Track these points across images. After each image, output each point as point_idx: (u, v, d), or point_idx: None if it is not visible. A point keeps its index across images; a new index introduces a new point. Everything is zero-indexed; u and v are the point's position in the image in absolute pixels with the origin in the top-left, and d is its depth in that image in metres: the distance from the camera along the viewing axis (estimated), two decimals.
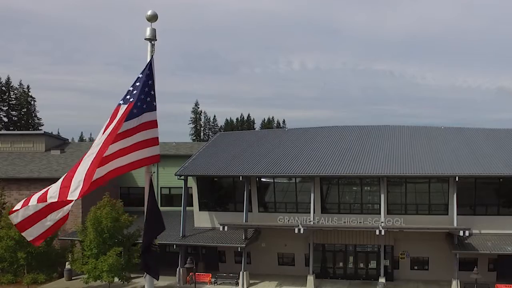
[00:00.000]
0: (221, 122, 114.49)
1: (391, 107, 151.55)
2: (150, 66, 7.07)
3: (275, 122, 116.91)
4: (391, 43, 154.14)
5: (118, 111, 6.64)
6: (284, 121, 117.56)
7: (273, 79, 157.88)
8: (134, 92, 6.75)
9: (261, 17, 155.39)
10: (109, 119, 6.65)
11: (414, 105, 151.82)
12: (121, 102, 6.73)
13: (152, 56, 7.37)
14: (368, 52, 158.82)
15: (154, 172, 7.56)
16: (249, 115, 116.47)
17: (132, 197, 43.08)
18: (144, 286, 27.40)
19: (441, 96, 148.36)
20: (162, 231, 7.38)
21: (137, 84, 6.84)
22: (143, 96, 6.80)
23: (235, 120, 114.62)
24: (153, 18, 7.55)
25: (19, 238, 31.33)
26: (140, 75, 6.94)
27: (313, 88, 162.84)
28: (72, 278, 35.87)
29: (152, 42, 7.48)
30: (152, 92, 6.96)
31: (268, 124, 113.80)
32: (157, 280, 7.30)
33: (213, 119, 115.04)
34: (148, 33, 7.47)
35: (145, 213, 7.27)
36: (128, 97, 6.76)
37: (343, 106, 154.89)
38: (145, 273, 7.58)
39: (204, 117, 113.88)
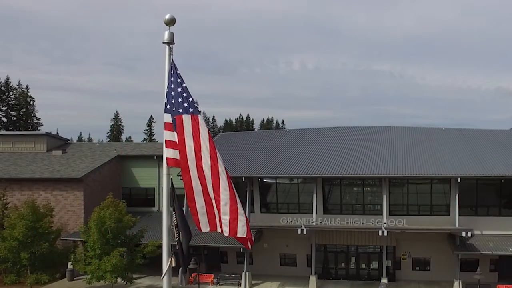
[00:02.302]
0: (220, 122, 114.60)
1: (391, 107, 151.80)
2: (175, 69, 7.26)
3: (274, 122, 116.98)
4: (391, 43, 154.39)
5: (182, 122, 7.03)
6: (283, 122, 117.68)
7: (273, 79, 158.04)
8: (189, 99, 7.16)
9: (261, 17, 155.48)
10: (178, 130, 7.05)
11: (413, 106, 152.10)
12: (180, 111, 7.08)
13: (172, 60, 7.47)
14: (368, 52, 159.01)
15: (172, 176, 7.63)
16: (248, 115, 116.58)
17: (134, 197, 43.19)
18: (145, 286, 27.38)
19: (440, 97, 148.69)
20: (191, 239, 7.67)
21: (179, 90, 7.17)
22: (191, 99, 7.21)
23: (234, 121, 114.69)
24: (171, 22, 7.63)
25: (23, 238, 31.43)
26: (179, 80, 7.20)
27: (313, 89, 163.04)
28: (75, 278, 35.89)
29: (170, 45, 7.56)
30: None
31: (267, 124, 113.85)
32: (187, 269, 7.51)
33: (212, 120, 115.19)
34: (166, 37, 7.54)
35: (174, 217, 7.47)
36: (186, 106, 7.14)
37: (343, 106, 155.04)
38: (162, 275, 7.69)
39: (203, 118, 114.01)
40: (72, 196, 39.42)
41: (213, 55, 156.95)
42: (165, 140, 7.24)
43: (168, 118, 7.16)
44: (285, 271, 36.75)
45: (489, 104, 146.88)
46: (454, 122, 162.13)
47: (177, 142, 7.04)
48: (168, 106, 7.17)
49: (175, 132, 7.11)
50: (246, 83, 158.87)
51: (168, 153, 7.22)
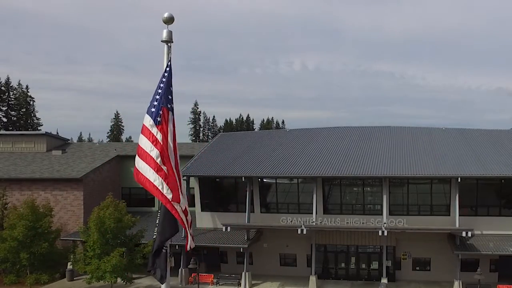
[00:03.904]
0: (220, 122, 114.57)
1: (391, 107, 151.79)
2: (170, 67, 7.19)
3: (275, 122, 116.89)
4: (392, 43, 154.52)
5: (168, 115, 7.02)
6: (283, 122, 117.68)
7: (274, 79, 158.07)
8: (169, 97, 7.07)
9: (262, 18, 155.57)
10: (165, 124, 7.00)
11: (414, 106, 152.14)
12: (168, 106, 7.05)
13: (170, 58, 7.41)
14: (368, 52, 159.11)
15: None
16: (248, 115, 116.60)
17: (134, 197, 43.09)
18: (145, 286, 27.24)
19: (441, 97, 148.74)
20: (176, 233, 7.35)
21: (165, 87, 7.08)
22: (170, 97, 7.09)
23: (234, 121, 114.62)
24: (169, 20, 7.59)
25: (22, 238, 31.39)
26: (164, 79, 7.10)
27: (313, 89, 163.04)
28: (74, 278, 35.83)
29: (169, 44, 7.51)
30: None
31: (267, 124, 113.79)
32: (162, 283, 7.21)
33: (212, 120, 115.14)
34: (164, 35, 7.50)
35: (158, 215, 7.29)
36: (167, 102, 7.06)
37: (343, 106, 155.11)
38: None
39: (204, 118, 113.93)
40: (71, 196, 39.38)
41: (214, 55, 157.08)
42: (138, 146, 6.97)
43: (148, 120, 6.89)
44: (285, 271, 36.68)
45: (489, 105, 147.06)
46: (454, 123, 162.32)
47: (158, 140, 6.89)
48: (150, 107, 6.97)
49: (147, 141, 6.91)
50: (247, 83, 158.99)
51: (137, 162, 6.94)
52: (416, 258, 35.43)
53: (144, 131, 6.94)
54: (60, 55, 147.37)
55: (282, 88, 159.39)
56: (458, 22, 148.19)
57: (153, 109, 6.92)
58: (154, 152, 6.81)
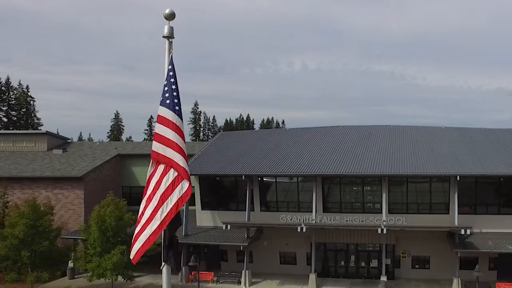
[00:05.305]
0: (220, 122, 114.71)
1: (392, 107, 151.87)
2: (173, 65, 7.30)
3: (275, 122, 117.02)
4: (392, 44, 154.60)
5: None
6: (283, 122, 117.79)
7: (274, 79, 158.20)
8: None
9: (262, 18, 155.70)
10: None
11: (414, 106, 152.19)
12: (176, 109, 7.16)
13: (171, 55, 7.54)
14: (369, 52, 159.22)
15: None
16: (248, 115, 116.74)
17: (134, 196, 43.19)
18: (145, 284, 27.42)
19: (441, 97, 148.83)
20: (179, 226, 7.59)
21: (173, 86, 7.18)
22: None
23: (234, 121, 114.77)
24: (171, 16, 7.70)
25: (23, 237, 31.52)
26: (172, 79, 7.20)
27: (313, 89, 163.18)
28: (75, 276, 35.99)
29: (170, 40, 7.64)
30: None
31: (267, 124, 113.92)
32: (179, 272, 7.48)
33: (212, 120, 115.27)
34: (166, 31, 7.61)
35: None
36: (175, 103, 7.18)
37: (343, 106, 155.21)
38: (162, 266, 7.74)
39: (204, 118, 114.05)
40: (72, 194, 39.54)
41: (214, 55, 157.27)
42: (155, 133, 7.24)
43: (163, 111, 7.04)
44: (285, 269, 36.81)
45: (489, 105, 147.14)
46: (454, 123, 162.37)
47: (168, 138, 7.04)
48: (167, 101, 7.12)
49: (168, 128, 7.09)
50: (247, 83, 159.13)
51: (155, 146, 7.16)
52: (416, 256, 35.56)
53: (163, 121, 7.11)
54: (60, 55, 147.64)
55: (282, 88, 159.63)
56: (458, 22, 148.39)
57: (175, 106, 7.07)
58: (177, 139, 6.97)
